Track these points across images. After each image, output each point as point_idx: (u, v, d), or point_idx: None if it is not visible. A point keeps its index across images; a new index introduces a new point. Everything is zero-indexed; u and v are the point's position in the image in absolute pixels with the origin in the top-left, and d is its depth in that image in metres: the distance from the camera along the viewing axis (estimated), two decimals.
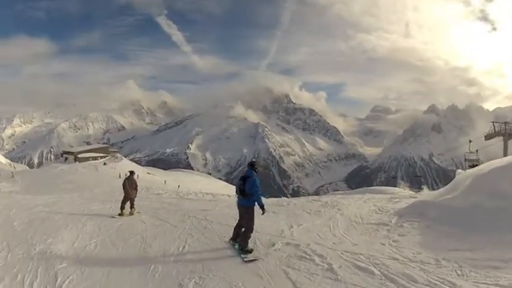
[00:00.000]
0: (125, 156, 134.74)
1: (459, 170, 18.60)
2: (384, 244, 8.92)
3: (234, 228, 8.71)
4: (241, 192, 8.17)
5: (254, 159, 9.42)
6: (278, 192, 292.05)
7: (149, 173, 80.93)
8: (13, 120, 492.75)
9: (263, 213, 8.20)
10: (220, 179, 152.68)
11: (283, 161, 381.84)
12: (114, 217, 13.09)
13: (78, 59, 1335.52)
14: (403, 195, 21.71)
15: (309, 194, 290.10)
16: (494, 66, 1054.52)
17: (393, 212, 12.45)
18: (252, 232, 8.31)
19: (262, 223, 10.85)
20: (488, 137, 27.68)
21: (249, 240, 8.29)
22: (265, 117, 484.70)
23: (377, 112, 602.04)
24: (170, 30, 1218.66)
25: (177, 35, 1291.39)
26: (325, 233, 10.20)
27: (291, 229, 10.65)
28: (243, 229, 8.28)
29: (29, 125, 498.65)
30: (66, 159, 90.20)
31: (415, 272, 6.92)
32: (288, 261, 7.85)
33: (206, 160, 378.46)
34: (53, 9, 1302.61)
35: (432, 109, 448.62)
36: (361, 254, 8.03)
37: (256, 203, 8.09)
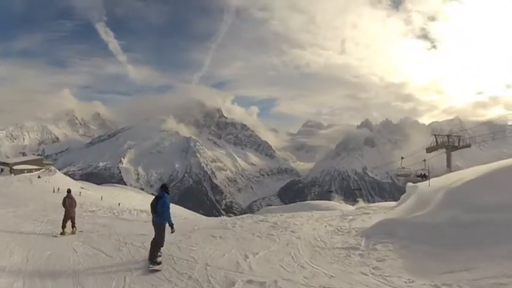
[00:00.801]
0: (59, 169, 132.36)
1: (410, 184, 18.54)
2: (365, 274, 7.79)
3: (150, 244, 9.12)
4: (154, 210, 8.95)
5: (165, 182, 10.32)
6: (211, 207, 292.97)
7: (83, 188, 79.81)
8: None
9: (172, 232, 8.97)
10: (153, 194, 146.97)
11: (215, 176, 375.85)
12: (56, 236, 12.67)
13: (18, 62, 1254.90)
14: (350, 210, 21.97)
15: (242, 209, 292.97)
16: (431, 82, 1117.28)
17: (356, 233, 11.77)
18: (162, 246, 9.02)
19: (211, 253, 10.01)
20: (430, 149, 28.13)
21: (158, 253, 8.88)
22: (197, 131, 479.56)
23: (309, 127, 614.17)
24: (107, 38, 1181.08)
25: (113, 43, 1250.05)
26: (289, 264, 8.94)
27: (247, 260, 9.36)
28: (155, 243, 8.91)
29: None
30: (1, 170, 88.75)
31: None
32: None
33: (138, 175, 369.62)
34: None
35: (365, 124, 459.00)
36: None
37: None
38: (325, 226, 13.66)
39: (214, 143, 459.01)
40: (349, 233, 11.89)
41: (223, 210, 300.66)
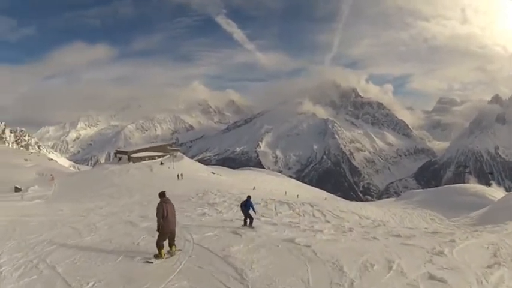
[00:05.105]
0: (194, 156, 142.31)
1: None
2: None
3: (244, 219, 15.49)
4: (244, 206, 15.38)
5: (249, 195, 16.31)
6: (349, 189, 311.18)
7: (214, 173, 79.24)
8: (77, 124, 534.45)
9: (255, 213, 15.71)
10: (291, 176, 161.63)
11: (353, 157, 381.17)
12: (149, 262, 9.12)
13: (139, 62, 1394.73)
14: None
15: (379, 191, 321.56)
16: None
17: None
18: (253, 219, 15.31)
19: None
20: None
21: (253, 223, 15.19)
22: (333, 112, 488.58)
23: (443, 104, 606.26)
24: (230, 29, 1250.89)
25: (238, 33, 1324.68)
26: None
27: None
28: (249, 220, 15.33)
29: (95, 128, 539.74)
30: (119, 159, 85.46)
31: None
32: None
33: (276, 158, 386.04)
34: (106, 16, 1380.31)
35: (496, 99, 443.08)
36: None
37: (251, 209, 15.32)
38: None
39: (352, 123, 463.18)
40: None
41: (361, 192, 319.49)
